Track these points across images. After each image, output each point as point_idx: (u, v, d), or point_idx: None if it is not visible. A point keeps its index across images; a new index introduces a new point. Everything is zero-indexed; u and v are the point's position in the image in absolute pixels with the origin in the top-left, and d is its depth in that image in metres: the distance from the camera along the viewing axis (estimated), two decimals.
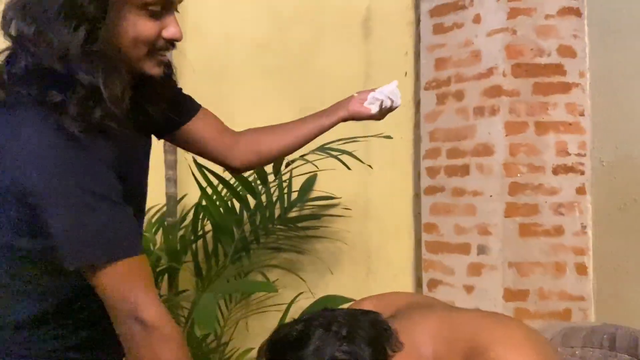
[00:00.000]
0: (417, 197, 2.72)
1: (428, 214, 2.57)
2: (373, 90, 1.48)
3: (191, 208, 2.46)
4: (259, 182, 2.32)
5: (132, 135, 1.15)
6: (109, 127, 1.03)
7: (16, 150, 1.01)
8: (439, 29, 2.54)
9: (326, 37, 2.76)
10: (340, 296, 2.16)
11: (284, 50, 2.73)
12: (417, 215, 2.72)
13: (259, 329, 2.54)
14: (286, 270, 2.57)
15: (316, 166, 2.25)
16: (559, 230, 2.34)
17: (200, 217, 2.37)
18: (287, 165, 2.24)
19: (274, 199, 2.48)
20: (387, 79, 1.51)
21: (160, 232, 2.40)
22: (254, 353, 2.38)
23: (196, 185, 2.27)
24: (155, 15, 1.07)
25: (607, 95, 2.31)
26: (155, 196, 1.95)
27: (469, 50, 2.44)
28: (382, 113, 1.49)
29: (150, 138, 1.28)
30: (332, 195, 2.62)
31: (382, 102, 1.46)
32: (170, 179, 2.45)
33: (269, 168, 2.19)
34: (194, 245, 2.38)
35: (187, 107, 1.37)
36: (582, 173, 2.35)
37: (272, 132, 1.48)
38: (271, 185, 2.38)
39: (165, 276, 2.29)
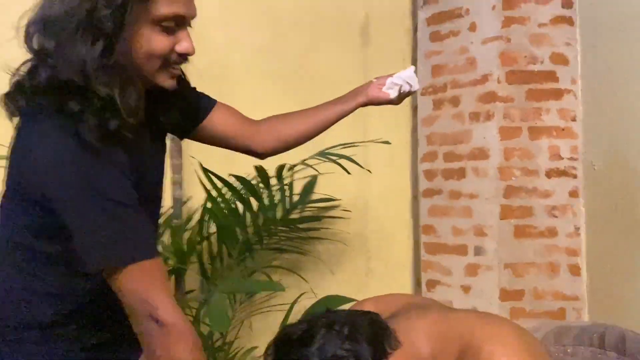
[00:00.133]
0: (415, 199, 2.77)
1: (426, 216, 2.63)
2: (391, 75, 1.50)
3: (196, 210, 2.52)
4: (261, 185, 2.38)
5: (147, 143, 1.21)
6: (125, 136, 1.08)
7: (37, 157, 1.07)
8: (435, 37, 2.59)
9: (325, 43, 2.80)
10: (341, 296, 2.21)
11: (283, 55, 2.76)
12: (415, 217, 2.77)
13: (263, 328, 2.59)
14: (288, 271, 2.61)
15: (317, 170, 2.31)
16: (552, 232, 2.40)
17: (206, 219, 2.42)
18: (290, 169, 2.30)
19: (276, 201, 2.53)
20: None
21: (167, 233, 2.45)
22: (257, 352, 2.45)
23: (200, 187, 2.32)
24: (169, 31, 1.11)
25: (598, 101, 2.36)
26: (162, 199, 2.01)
27: (465, 57, 2.50)
28: (400, 97, 1.51)
29: (165, 144, 1.33)
30: (333, 198, 2.67)
31: (400, 87, 1.48)
32: (176, 183, 2.51)
33: (271, 172, 2.25)
34: (198, 247, 2.44)
35: (202, 106, 1.42)
36: (575, 176, 2.42)
37: (293, 118, 1.53)
38: (273, 188, 2.44)
39: (172, 277, 2.35)
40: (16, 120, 1.14)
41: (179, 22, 1.13)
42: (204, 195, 2.35)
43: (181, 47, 1.14)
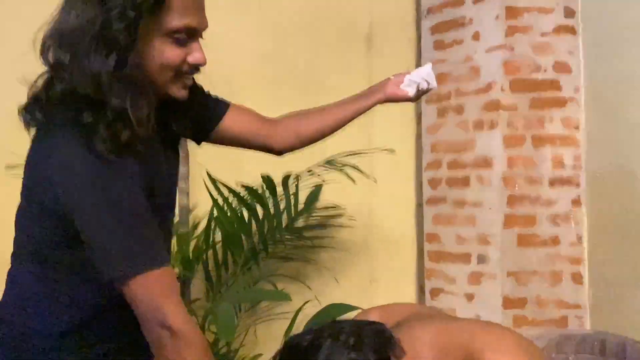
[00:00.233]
0: (419, 207, 2.79)
1: (430, 224, 2.65)
2: (408, 72, 1.49)
3: (202, 218, 2.55)
4: (267, 193, 2.40)
5: (160, 151, 1.23)
6: (136, 146, 1.10)
7: (50, 168, 1.09)
8: (439, 45, 2.62)
9: (330, 51, 2.81)
10: (346, 304, 2.23)
11: (288, 62, 2.78)
12: (419, 225, 2.78)
13: (268, 335, 2.61)
14: (293, 279, 2.62)
15: (323, 180, 2.32)
16: (555, 241, 2.41)
17: (212, 226, 2.44)
18: (296, 178, 2.32)
19: (282, 209, 2.55)
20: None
21: (173, 241, 2.47)
22: (262, 359, 2.46)
23: (206, 195, 2.34)
24: (181, 42, 1.13)
25: (600, 110, 2.38)
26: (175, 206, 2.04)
27: (469, 66, 2.52)
28: (418, 95, 1.50)
29: (178, 152, 1.35)
30: (338, 206, 2.69)
31: (418, 84, 1.47)
32: (183, 191, 2.53)
33: (277, 179, 2.27)
34: (204, 255, 2.46)
35: (216, 110, 1.42)
36: (578, 185, 2.43)
37: (310, 115, 1.53)
38: (279, 196, 2.45)
39: (179, 285, 2.37)
40: (33, 131, 1.16)
41: (191, 34, 1.15)
42: (209, 202, 2.37)
43: (193, 58, 1.16)
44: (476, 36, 2.51)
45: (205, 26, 1.18)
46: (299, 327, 2.48)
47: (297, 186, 2.53)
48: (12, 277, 1.24)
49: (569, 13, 2.45)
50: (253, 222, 2.46)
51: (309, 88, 2.75)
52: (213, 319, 1.92)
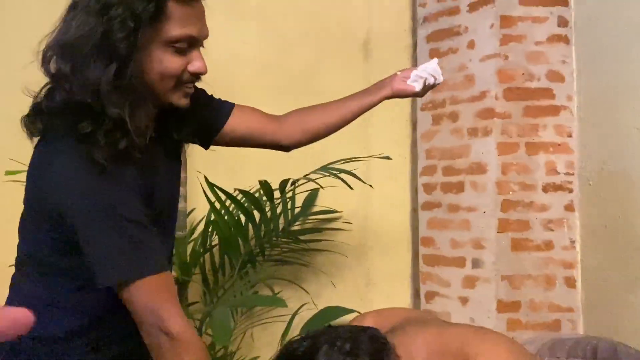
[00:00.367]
0: (414, 212, 2.81)
1: (425, 228, 2.67)
2: (415, 68, 1.48)
3: (199, 222, 2.57)
4: (265, 197, 2.42)
5: (161, 159, 1.25)
6: (135, 156, 1.12)
7: (50, 176, 1.11)
8: (435, 54, 2.63)
9: (328, 58, 2.84)
10: (342, 307, 2.25)
11: (287, 71, 2.81)
12: (414, 229, 2.80)
13: (264, 338, 2.63)
14: (289, 282, 2.64)
15: (320, 185, 2.35)
16: (549, 245, 2.43)
17: (209, 230, 2.47)
18: (293, 184, 2.35)
19: (279, 212, 2.57)
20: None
21: None
22: None
23: (203, 198, 2.36)
24: (181, 52, 1.14)
25: (593, 118, 2.41)
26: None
27: (464, 74, 2.54)
28: (425, 90, 1.49)
29: (180, 159, 1.36)
30: (334, 210, 2.71)
31: (425, 79, 1.46)
32: (180, 195, 2.56)
33: (274, 185, 2.30)
34: (201, 258, 2.48)
35: (219, 113, 1.43)
36: (571, 191, 2.46)
37: (318, 111, 1.52)
38: (276, 201, 2.48)
39: (176, 288, 2.39)
40: (35, 140, 1.18)
41: (191, 43, 1.16)
42: (207, 206, 2.39)
43: (193, 67, 1.17)
44: (471, 45, 2.54)
45: (205, 35, 1.19)
46: (295, 330, 2.50)
47: (294, 191, 2.55)
48: (15, 283, 1.27)
49: (563, 22, 2.49)
50: (250, 225, 2.49)
51: (309, 96, 2.75)
52: (209, 324, 1.94)
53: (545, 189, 2.45)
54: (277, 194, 2.38)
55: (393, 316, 1.31)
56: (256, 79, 2.77)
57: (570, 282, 2.44)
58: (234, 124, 1.43)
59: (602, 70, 2.36)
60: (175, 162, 1.35)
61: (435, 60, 1.49)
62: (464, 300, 2.52)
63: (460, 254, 2.54)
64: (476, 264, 2.49)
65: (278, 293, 2.59)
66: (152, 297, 1.12)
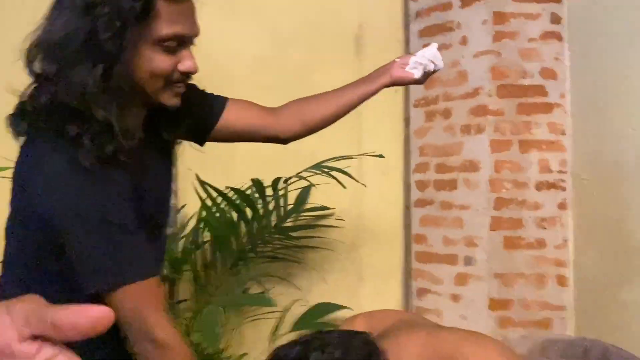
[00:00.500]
0: (407, 209, 2.80)
1: (418, 226, 2.67)
2: (414, 54, 1.42)
3: (190, 218, 2.55)
4: (257, 195, 2.41)
5: (152, 160, 1.22)
6: (123, 158, 1.10)
7: (38, 179, 1.09)
8: None
9: (321, 54, 2.82)
10: (333, 304, 2.25)
11: (282, 67, 2.79)
12: (407, 226, 2.80)
13: (255, 335, 2.62)
14: (281, 279, 2.63)
15: (312, 183, 2.33)
16: (541, 244, 2.43)
17: (201, 226, 2.45)
18: (285, 181, 2.33)
19: (271, 209, 2.56)
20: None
21: None
22: (247, 358, 2.48)
23: (194, 194, 2.34)
24: (171, 50, 1.11)
25: (586, 116, 2.40)
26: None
27: (456, 71, 2.53)
28: (425, 77, 1.44)
29: (171, 160, 1.33)
30: (326, 207, 2.71)
31: (425, 66, 1.40)
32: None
33: (267, 182, 2.28)
34: (192, 255, 2.47)
35: (213, 109, 1.38)
36: (564, 189, 2.45)
37: (315, 101, 1.47)
38: (268, 199, 2.46)
39: (166, 285, 2.38)
40: (22, 139, 1.16)
41: (181, 42, 1.13)
42: (198, 202, 2.38)
43: (183, 66, 1.14)
44: (464, 41, 2.52)
45: (196, 33, 1.17)
46: (286, 327, 2.50)
47: (286, 188, 2.54)
48: (1, 285, 1.25)
49: (555, 19, 2.47)
50: (242, 222, 2.47)
51: (303, 91, 2.74)
52: (198, 324, 1.93)
53: (539, 187, 2.45)
54: (269, 192, 2.37)
55: (384, 319, 1.30)
56: (250, 75, 2.75)
57: (562, 281, 2.44)
58: (229, 118, 1.39)
59: (596, 68, 2.35)
60: (167, 162, 1.33)
61: (435, 44, 1.43)
62: (456, 298, 2.52)
63: (453, 251, 2.53)
64: (468, 261, 2.49)
65: (270, 290, 2.58)
66: (137, 304, 1.10)
